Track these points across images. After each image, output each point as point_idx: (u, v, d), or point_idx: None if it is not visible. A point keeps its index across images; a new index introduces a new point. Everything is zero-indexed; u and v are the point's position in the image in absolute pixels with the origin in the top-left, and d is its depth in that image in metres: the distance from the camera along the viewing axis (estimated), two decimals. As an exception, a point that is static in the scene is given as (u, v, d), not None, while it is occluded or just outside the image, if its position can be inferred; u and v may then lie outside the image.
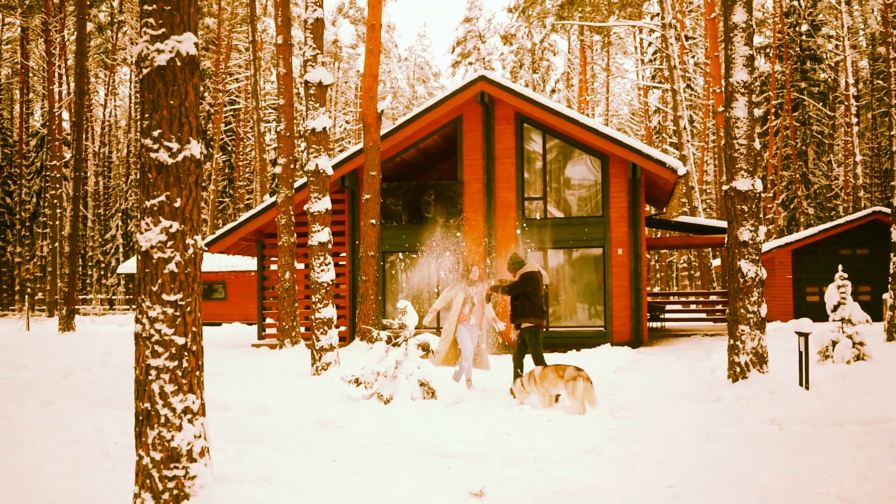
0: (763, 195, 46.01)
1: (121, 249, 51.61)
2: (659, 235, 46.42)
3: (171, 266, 5.25)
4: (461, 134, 19.40)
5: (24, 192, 51.80)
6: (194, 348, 5.37)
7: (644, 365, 14.35)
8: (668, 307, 33.97)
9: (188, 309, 5.31)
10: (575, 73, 55.54)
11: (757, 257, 10.57)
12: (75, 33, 52.23)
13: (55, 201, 38.30)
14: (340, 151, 58.96)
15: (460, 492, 6.32)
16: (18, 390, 11.32)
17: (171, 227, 5.26)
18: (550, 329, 18.77)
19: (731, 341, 10.69)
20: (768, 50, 45.36)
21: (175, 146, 5.28)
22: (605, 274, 18.58)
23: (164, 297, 5.24)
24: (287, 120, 17.82)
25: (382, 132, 19.09)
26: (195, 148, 5.38)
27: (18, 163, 51.59)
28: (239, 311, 35.06)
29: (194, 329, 5.36)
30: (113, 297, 50.52)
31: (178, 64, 5.29)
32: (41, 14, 39.00)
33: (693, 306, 33.33)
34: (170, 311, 5.25)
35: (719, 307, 26.94)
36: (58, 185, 37.01)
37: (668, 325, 26.57)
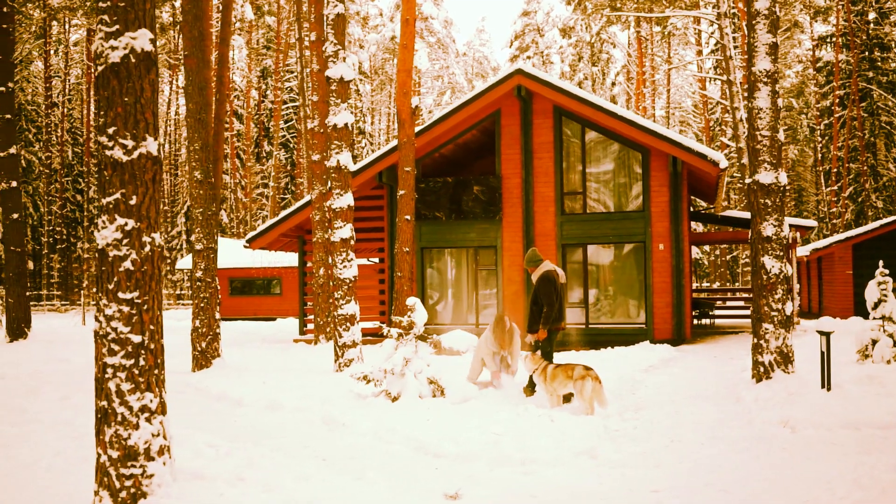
0: (827, 188, 44.60)
1: (184, 246, 52.71)
2: (719, 229, 45.30)
3: (127, 264, 5.23)
4: (499, 128, 19.18)
5: (92, 189, 53.26)
6: (152, 346, 5.34)
7: (677, 363, 13.96)
8: (729, 303, 33.13)
9: (145, 307, 5.29)
10: (633, 65, 54.59)
11: (781, 253, 10.16)
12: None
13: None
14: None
15: (436, 493, 6.19)
16: (43, 384, 11.58)
17: (126, 224, 5.24)
18: (590, 326, 18.47)
19: (755, 340, 10.32)
20: (833, 39, 43.87)
21: (130, 143, 5.25)
22: (646, 270, 18.17)
23: (120, 295, 5.23)
24: (321, 116, 17.86)
25: (421, 127, 19.01)
26: (152, 145, 5.35)
27: (87, 161, 53.07)
28: (294, 307, 35.38)
29: (152, 327, 5.33)
30: (181, 292, 51.56)
31: (133, 60, 5.26)
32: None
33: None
34: (126, 309, 5.23)
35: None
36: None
37: (718, 321, 25.86)
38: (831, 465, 6.65)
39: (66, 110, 57.15)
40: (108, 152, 5.24)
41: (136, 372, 5.25)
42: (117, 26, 5.24)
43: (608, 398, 10.15)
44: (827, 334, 9.19)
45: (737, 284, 52.93)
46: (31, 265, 55.33)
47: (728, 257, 54.65)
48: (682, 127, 59.19)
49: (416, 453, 7.63)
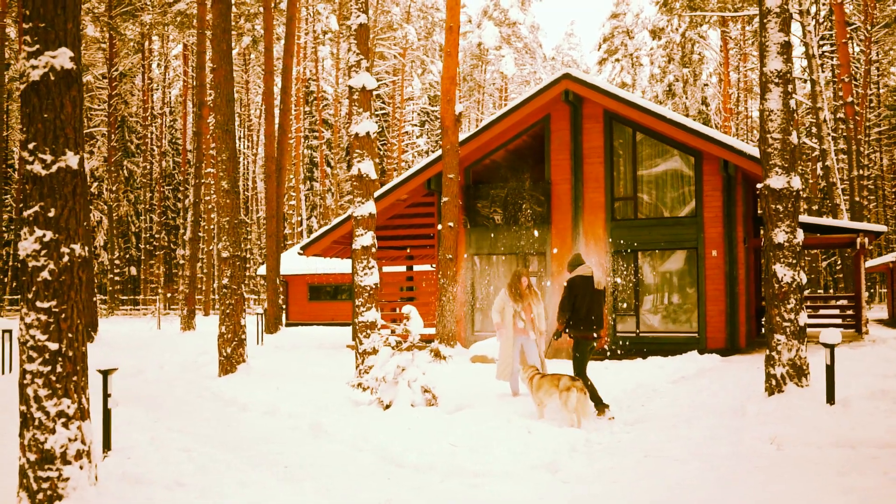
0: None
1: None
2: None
3: (45, 274, 5.42)
4: (549, 134, 18.97)
5: (187, 199, 55.29)
6: (70, 354, 5.51)
7: (710, 374, 13.46)
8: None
9: (63, 316, 5.47)
10: (721, 66, 53.06)
11: (794, 261, 9.71)
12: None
13: (210, 205, 40.61)
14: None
15: (367, 504, 6.18)
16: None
17: (44, 236, 5.43)
18: (640, 334, 18.05)
19: (767, 352, 9.88)
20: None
21: (49, 158, 5.44)
22: (699, 277, 17.63)
23: (38, 304, 5.42)
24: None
25: (467, 134, 19.01)
26: (72, 159, 5.53)
27: (185, 170, 55.16)
28: (370, 312, 35.90)
29: (70, 335, 5.50)
30: (263, 297, 53.01)
31: (52, 78, 5.45)
32: (193, 30, 41.50)
33: (836, 311, 31.06)
34: (43, 317, 5.42)
35: (850, 312, 24.93)
36: (210, 192, 39.09)
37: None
38: (793, 487, 6.32)
39: (167, 122, 59.62)
40: (28, 167, 5.45)
41: (54, 378, 5.43)
42: (38, 46, 5.45)
43: (613, 410, 9.95)
44: (831, 346, 8.74)
45: (830, 291, 50.61)
46: (132, 271, 58.15)
47: (824, 263, 52.36)
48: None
49: (380, 462, 7.64)
